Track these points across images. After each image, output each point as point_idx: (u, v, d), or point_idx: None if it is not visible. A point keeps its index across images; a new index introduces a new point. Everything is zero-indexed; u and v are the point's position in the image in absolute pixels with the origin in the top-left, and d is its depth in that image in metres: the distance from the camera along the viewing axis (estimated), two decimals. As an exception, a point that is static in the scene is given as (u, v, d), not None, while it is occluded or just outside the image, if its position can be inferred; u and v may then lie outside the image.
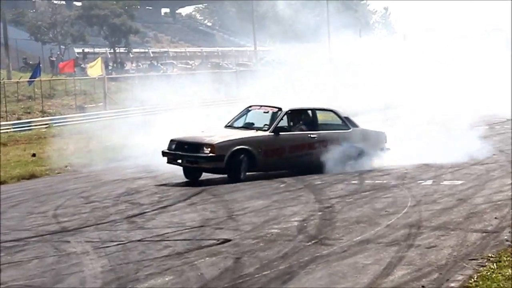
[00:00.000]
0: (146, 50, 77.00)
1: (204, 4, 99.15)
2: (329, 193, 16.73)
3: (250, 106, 20.29)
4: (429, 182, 17.91)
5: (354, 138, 20.02)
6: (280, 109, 19.43)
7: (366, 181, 18.27)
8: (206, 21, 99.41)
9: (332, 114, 20.62)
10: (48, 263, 11.23)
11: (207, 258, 11.26)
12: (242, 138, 18.53)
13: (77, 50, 68.85)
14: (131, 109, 44.54)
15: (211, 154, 18.00)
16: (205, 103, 47.14)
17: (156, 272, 10.58)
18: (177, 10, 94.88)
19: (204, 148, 18.18)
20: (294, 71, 60.90)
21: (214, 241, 12.42)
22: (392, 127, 23.32)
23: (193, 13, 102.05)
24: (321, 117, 20.66)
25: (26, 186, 20.45)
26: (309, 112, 20.06)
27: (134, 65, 70.76)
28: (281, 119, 19.26)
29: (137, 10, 78.49)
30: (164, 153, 19.19)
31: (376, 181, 18.21)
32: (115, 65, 70.32)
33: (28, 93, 48.49)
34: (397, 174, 19.06)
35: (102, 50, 69.76)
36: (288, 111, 19.56)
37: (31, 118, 45.56)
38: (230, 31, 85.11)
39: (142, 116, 39.55)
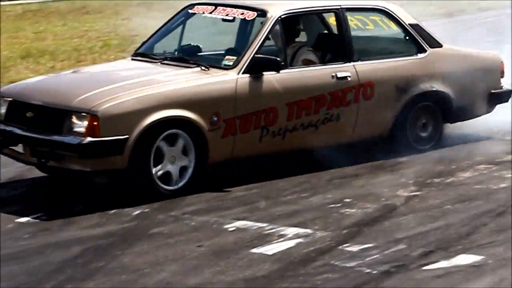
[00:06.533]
0: None
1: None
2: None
3: (191, 6, 4.88)
4: None
5: (433, 73, 5.08)
6: (263, 13, 4.49)
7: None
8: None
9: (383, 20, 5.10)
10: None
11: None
12: (168, 92, 4.11)
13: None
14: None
15: (90, 139, 3.84)
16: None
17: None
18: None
19: (74, 121, 3.92)
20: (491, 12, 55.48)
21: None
22: None
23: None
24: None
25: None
26: (326, 20, 5.04)
27: None
28: (268, 38, 4.48)
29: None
30: None
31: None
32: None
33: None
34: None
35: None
36: (282, 17, 4.51)
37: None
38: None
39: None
